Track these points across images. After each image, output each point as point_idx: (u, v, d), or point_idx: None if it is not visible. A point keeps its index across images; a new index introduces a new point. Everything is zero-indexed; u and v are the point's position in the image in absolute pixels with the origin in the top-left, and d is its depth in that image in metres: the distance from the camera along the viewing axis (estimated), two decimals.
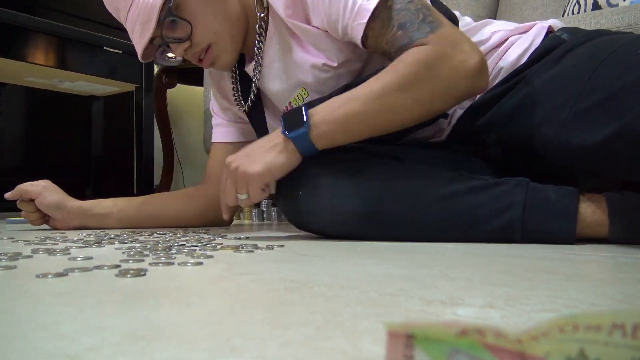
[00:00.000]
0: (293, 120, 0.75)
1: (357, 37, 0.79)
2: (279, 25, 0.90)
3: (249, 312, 0.31)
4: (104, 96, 2.16)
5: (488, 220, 0.75)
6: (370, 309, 0.31)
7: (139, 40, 0.87)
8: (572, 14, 1.42)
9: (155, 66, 2.14)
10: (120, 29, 1.77)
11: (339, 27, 0.81)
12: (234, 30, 0.90)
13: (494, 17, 1.86)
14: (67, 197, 1.06)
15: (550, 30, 0.92)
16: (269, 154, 0.77)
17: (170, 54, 0.94)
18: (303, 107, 0.76)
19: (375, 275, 0.45)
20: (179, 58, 0.93)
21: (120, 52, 1.87)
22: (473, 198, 0.76)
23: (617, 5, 1.30)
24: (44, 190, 1.03)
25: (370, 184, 0.78)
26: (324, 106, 0.76)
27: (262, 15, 0.91)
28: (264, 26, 0.92)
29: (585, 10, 1.38)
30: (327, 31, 0.84)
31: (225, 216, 0.87)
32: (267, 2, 0.89)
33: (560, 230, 0.73)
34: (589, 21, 1.18)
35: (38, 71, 1.76)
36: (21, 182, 1.04)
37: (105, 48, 1.84)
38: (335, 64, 0.87)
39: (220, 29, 0.88)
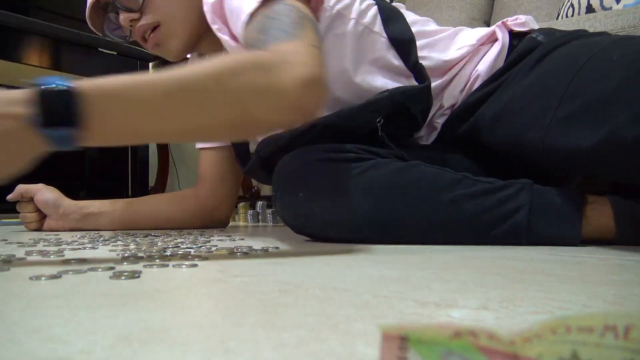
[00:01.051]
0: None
1: (242, 40, 0.71)
2: None
3: (243, 314, 0.31)
4: None
5: (494, 225, 0.75)
6: (364, 311, 0.31)
7: None
8: (566, 16, 1.43)
9: (150, 67, 2.13)
10: None
11: (239, 38, 0.73)
12: (190, 19, 0.86)
13: (489, 20, 1.87)
14: (64, 197, 1.08)
15: (509, 29, 0.92)
16: None
17: (118, 32, 0.90)
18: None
19: (369, 277, 0.45)
20: (125, 34, 0.89)
21: (116, 53, 1.87)
22: (479, 202, 0.76)
23: (610, 8, 1.31)
24: (42, 188, 1.07)
25: (374, 187, 0.77)
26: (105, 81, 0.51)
27: None
28: None
29: (579, 14, 1.39)
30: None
31: None
32: None
33: (565, 235, 0.73)
34: (582, 24, 1.19)
35: (32, 72, 1.75)
36: (15, 185, 1.06)
37: (100, 49, 1.83)
38: None
39: (175, 11, 0.84)
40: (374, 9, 0.88)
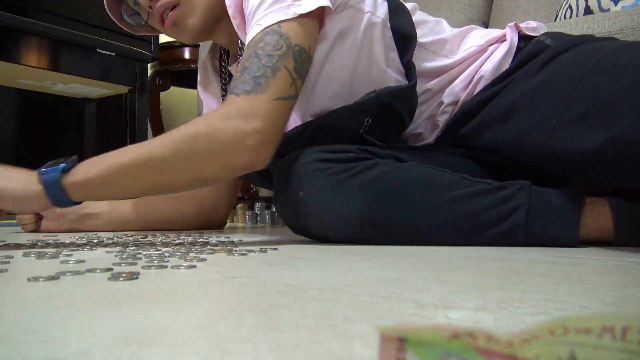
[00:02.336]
0: (54, 163, 0.72)
1: None
2: None
3: (242, 315, 0.31)
4: (97, 98, 2.16)
5: (492, 225, 0.75)
6: (363, 313, 0.31)
7: None
8: (565, 18, 1.43)
9: (149, 68, 2.13)
10: (113, 31, 1.77)
11: None
12: (208, 4, 0.88)
13: (487, 22, 1.87)
14: None
15: (520, 31, 0.92)
16: (13, 178, 0.71)
17: (135, 18, 0.92)
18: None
19: (367, 278, 0.45)
20: (141, 20, 0.91)
21: (114, 54, 1.86)
22: (477, 203, 0.75)
23: (608, 10, 1.32)
24: None
25: (372, 186, 0.77)
26: (93, 158, 0.73)
27: None
28: None
29: (577, 15, 1.39)
30: None
31: None
32: None
33: (563, 236, 0.73)
34: (580, 26, 1.19)
35: (30, 73, 1.75)
36: None
37: (98, 50, 1.83)
38: None
39: None
40: None
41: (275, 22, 0.73)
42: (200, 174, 0.72)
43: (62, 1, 1.84)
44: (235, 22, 0.83)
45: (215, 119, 0.71)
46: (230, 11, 0.83)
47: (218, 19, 0.91)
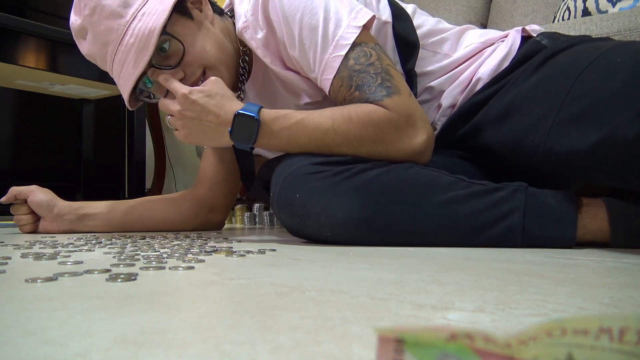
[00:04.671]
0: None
1: (326, 89, 0.85)
2: (263, 65, 0.91)
3: (240, 317, 0.31)
4: (95, 99, 2.15)
5: (488, 227, 0.75)
6: (361, 314, 0.31)
7: (132, 72, 0.84)
8: (563, 20, 1.43)
9: None
10: None
11: (312, 77, 0.86)
12: (228, 61, 0.90)
13: (485, 23, 1.88)
14: (58, 198, 1.07)
15: (527, 35, 0.92)
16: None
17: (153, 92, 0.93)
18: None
19: (366, 279, 0.45)
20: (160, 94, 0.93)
21: None
22: (473, 204, 0.75)
23: (606, 11, 1.32)
24: (35, 189, 1.06)
25: (368, 188, 0.77)
26: (279, 120, 0.80)
27: (244, 49, 0.92)
28: (247, 60, 0.93)
29: (575, 17, 1.39)
30: (305, 76, 0.88)
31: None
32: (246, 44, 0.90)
33: (561, 236, 0.73)
34: (578, 27, 1.19)
35: (29, 74, 1.75)
36: (10, 186, 1.06)
37: None
38: (315, 100, 0.90)
39: (213, 53, 0.87)
40: (384, 1, 0.91)
41: (351, 41, 0.80)
42: (381, 154, 0.80)
43: (60, 2, 1.84)
44: (267, 60, 0.88)
45: (390, 117, 0.78)
46: (260, 52, 0.87)
47: (237, 67, 0.94)
